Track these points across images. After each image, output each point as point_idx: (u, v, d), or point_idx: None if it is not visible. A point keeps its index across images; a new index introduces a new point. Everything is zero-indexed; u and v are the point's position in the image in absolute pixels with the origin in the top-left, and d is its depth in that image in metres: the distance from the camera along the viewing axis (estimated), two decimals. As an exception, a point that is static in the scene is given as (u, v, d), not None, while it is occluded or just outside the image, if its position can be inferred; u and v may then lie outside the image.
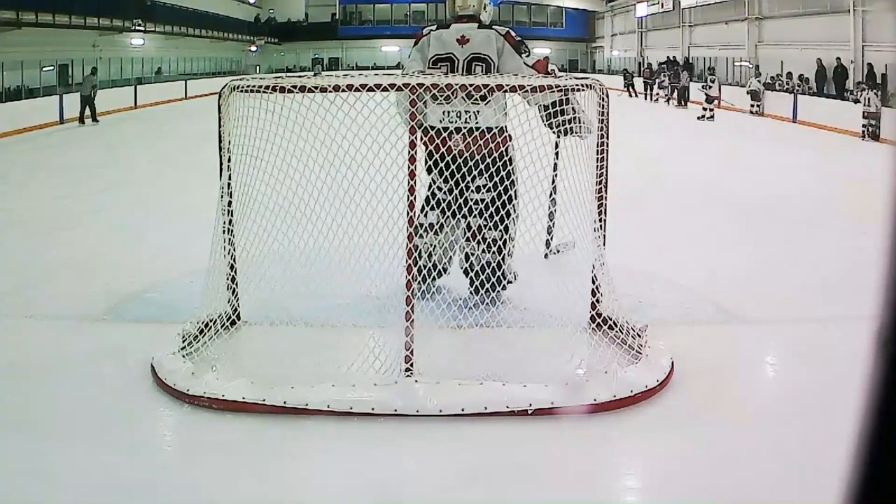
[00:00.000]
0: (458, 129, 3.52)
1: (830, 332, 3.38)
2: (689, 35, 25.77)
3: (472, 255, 3.75)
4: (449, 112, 3.56)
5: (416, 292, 2.87)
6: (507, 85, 3.14)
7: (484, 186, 3.63)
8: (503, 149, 3.61)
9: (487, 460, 2.40)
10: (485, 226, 3.68)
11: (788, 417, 2.68)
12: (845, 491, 0.55)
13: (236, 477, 2.33)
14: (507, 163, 3.55)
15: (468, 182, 3.63)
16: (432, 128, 3.50)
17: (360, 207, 3.15)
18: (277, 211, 3.19)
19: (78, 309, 3.84)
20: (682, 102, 20.47)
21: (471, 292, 3.64)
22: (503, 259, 3.69)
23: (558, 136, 3.58)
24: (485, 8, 3.95)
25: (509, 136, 3.65)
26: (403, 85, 2.96)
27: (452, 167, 3.43)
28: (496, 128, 3.60)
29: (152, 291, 4.11)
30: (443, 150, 3.54)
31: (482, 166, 3.59)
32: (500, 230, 3.67)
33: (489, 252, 3.68)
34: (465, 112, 3.57)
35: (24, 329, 3.59)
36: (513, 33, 3.85)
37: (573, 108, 3.50)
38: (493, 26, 3.88)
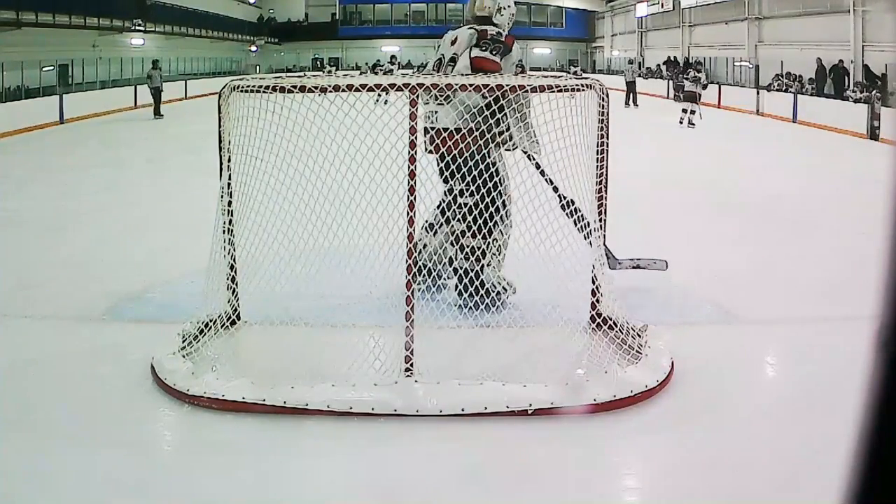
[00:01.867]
0: (425, 129, 3.57)
1: (830, 332, 3.38)
2: (689, 35, 25.76)
3: (455, 259, 3.71)
4: (425, 113, 3.60)
5: (418, 291, 2.88)
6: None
7: (467, 190, 3.52)
8: (474, 150, 3.44)
9: (487, 460, 2.40)
10: (461, 232, 3.61)
11: (788, 417, 2.68)
12: (845, 491, 0.55)
13: (236, 477, 2.32)
14: (488, 167, 3.41)
15: (452, 185, 3.61)
16: (441, 129, 3.54)
17: (360, 207, 3.16)
18: (277, 211, 3.19)
19: (78, 309, 3.84)
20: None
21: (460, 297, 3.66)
22: (481, 268, 3.60)
23: (506, 150, 3.54)
24: (500, 12, 3.94)
25: (480, 136, 3.46)
26: (403, 85, 2.95)
27: (447, 169, 3.43)
28: (456, 128, 3.38)
29: (152, 291, 4.11)
30: (431, 149, 3.57)
31: (453, 167, 3.43)
32: (480, 238, 3.58)
33: (466, 259, 3.62)
34: (432, 112, 3.59)
35: (24, 329, 3.59)
36: (490, 31, 3.79)
37: (518, 120, 3.42)
38: (475, 25, 3.87)
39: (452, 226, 3.67)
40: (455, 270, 3.67)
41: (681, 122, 13.79)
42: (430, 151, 3.61)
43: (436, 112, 3.56)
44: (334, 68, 24.61)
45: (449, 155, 3.46)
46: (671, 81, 22.81)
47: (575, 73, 23.31)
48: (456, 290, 3.62)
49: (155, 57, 21.25)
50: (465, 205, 3.48)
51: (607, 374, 2.74)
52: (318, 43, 34.66)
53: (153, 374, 2.89)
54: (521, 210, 3.26)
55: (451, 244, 3.72)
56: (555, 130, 3.15)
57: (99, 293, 4.06)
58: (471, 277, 3.41)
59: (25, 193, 7.67)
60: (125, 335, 3.47)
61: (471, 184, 3.44)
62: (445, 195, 3.74)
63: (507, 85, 3.12)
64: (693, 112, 13.77)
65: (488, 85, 3.11)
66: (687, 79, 15.19)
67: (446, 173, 3.45)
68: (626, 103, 18.99)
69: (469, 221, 3.46)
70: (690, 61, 24.12)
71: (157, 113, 16.48)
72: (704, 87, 14.58)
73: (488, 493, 2.25)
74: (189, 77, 24.83)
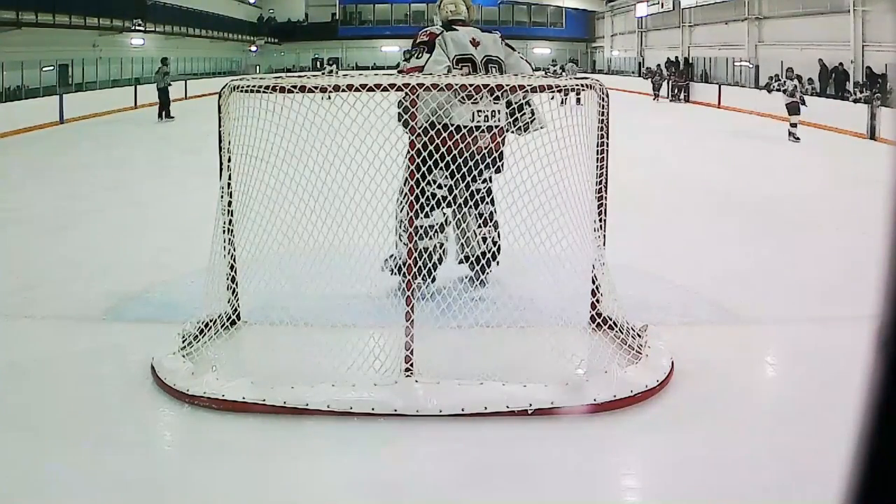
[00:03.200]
0: (488, 128, 3.73)
1: (830, 332, 3.38)
2: (689, 35, 25.76)
3: (489, 237, 3.96)
4: (479, 112, 3.71)
5: (417, 293, 2.88)
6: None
7: (479, 177, 3.83)
8: (500, 141, 3.90)
9: (487, 460, 2.40)
10: (494, 211, 3.92)
11: (788, 417, 2.68)
12: (845, 491, 0.55)
13: (236, 477, 2.33)
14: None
15: (475, 175, 3.71)
16: (463, 127, 3.51)
17: (360, 207, 3.15)
18: (277, 211, 3.19)
19: (78, 309, 3.84)
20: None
21: (474, 276, 3.86)
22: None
23: (518, 134, 3.83)
24: (469, 11, 4.22)
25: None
26: (403, 85, 2.95)
27: (470, 163, 3.43)
28: (503, 126, 3.89)
29: (152, 291, 4.11)
30: (461, 147, 3.47)
31: (494, 159, 3.83)
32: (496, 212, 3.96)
33: (500, 236, 3.93)
34: (492, 112, 3.76)
35: (24, 329, 3.59)
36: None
37: (530, 105, 3.83)
38: (492, 29, 4.15)
39: (480, 209, 3.91)
40: (487, 247, 3.96)
41: (790, 137, 11.95)
42: (482, 149, 3.75)
43: (499, 111, 3.79)
44: (335, 66, 23.70)
45: (497, 150, 3.81)
46: (668, 81, 22.79)
47: (555, 71, 22.07)
48: (479, 265, 3.93)
49: (154, 56, 21.22)
50: (482, 189, 3.83)
51: (607, 374, 2.74)
52: (318, 43, 34.64)
53: (153, 374, 2.89)
54: (522, 210, 3.25)
55: (481, 226, 3.97)
56: (554, 130, 3.14)
57: (99, 293, 4.06)
58: (499, 246, 3.91)
59: (25, 193, 7.67)
60: (125, 335, 3.47)
61: (494, 171, 3.84)
62: (438, 190, 3.82)
63: (508, 85, 3.13)
64: (794, 125, 11.95)
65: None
66: (782, 90, 12.70)
67: (470, 167, 3.51)
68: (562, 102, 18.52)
69: (487, 203, 3.84)
70: (689, 62, 24.14)
71: (167, 114, 16.06)
72: (802, 100, 12.31)
73: (488, 493, 2.25)
74: (189, 77, 24.82)
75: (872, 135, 12.59)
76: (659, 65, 24.79)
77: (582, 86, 3.28)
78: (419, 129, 3.11)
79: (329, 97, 3.03)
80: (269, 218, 3.21)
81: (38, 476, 2.28)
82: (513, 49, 4.08)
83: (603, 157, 3.32)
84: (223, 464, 2.41)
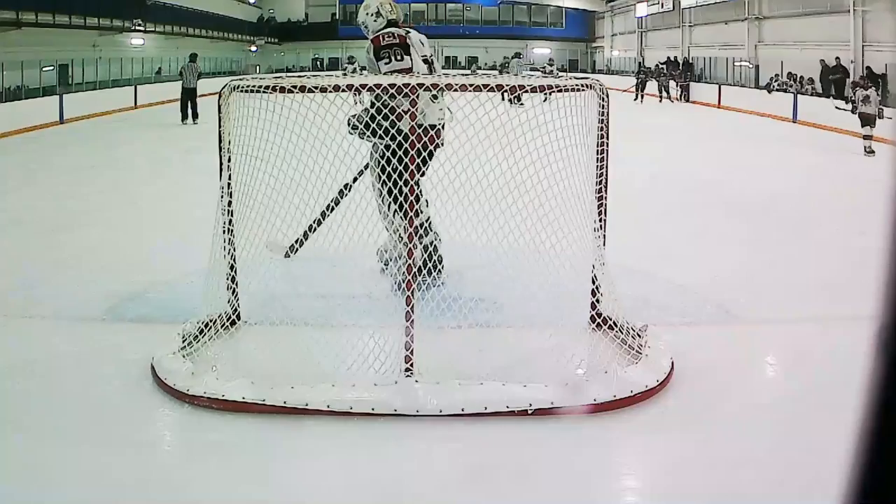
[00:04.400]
0: (443, 126, 3.67)
1: (830, 332, 3.38)
2: (689, 35, 25.76)
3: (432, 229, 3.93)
4: (440, 110, 3.69)
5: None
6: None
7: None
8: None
9: (487, 460, 2.40)
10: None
11: (788, 418, 2.68)
12: (845, 491, 0.55)
13: (236, 477, 2.33)
14: None
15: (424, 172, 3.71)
16: (431, 126, 3.52)
17: (361, 207, 3.16)
18: (277, 211, 3.19)
19: (78, 309, 3.83)
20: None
21: (437, 274, 3.75)
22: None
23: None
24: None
25: None
26: (403, 85, 2.95)
27: (429, 161, 3.48)
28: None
29: (152, 291, 4.11)
30: (426, 144, 3.52)
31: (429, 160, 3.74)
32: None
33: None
34: (446, 110, 3.70)
35: (24, 329, 3.59)
36: None
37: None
38: (420, 29, 4.22)
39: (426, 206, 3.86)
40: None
41: (865, 152, 10.46)
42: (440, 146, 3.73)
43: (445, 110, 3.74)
44: (357, 65, 22.67)
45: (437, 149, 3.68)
46: (669, 80, 22.78)
47: (551, 71, 20.46)
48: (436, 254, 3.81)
49: (154, 56, 21.14)
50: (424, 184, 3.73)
51: (607, 374, 2.74)
52: (318, 43, 34.61)
53: (153, 374, 2.89)
54: (522, 210, 3.25)
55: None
56: (554, 130, 3.14)
57: (99, 293, 4.05)
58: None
59: (25, 193, 7.67)
60: (125, 335, 3.47)
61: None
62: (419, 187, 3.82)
63: (507, 85, 3.13)
64: (868, 137, 10.53)
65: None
66: (851, 100, 11.36)
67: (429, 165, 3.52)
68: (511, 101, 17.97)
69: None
70: (689, 62, 24.12)
71: (194, 116, 14.73)
72: (880, 111, 10.66)
73: (488, 493, 2.25)
74: (189, 77, 24.77)
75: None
76: (658, 63, 24.79)
77: (581, 86, 3.27)
78: (413, 130, 3.11)
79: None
80: (269, 218, 3.21)
81: (38, 476, 2.28)
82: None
83: (603, 157, 3.32)
84: (223, 464, 2.41)
